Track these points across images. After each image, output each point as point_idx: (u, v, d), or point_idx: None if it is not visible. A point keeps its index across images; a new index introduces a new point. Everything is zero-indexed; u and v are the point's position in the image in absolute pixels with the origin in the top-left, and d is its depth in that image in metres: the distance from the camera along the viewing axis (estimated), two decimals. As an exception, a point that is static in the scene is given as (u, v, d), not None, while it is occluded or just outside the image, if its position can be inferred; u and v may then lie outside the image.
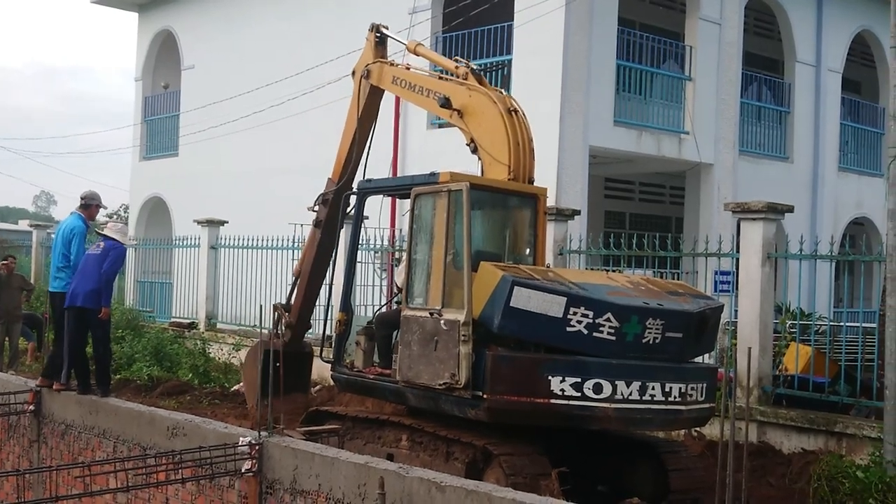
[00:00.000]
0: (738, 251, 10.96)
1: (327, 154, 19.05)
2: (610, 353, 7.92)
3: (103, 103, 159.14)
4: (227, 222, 18.37)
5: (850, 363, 10.79)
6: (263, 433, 9.08)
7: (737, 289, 10.92)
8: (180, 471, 9.08)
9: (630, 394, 7.91)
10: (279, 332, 11.54)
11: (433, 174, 8.97)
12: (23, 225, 46.01)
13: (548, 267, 9.34)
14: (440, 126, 17.28)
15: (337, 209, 11.07)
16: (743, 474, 7.05)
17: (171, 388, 13.76)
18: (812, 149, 20.50)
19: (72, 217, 12.22)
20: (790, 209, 11.02)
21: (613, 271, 11.59)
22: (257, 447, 8.96)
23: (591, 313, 7.82)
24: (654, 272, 12.42)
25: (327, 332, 10.63)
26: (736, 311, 10.91)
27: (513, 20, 16.06)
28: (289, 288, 12.04)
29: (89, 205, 12.23)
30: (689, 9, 17.99)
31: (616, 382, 7.87)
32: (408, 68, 10.83)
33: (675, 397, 8.12)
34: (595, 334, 7.84)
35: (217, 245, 18.19)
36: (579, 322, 7.82)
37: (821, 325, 12.69)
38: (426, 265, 8.84)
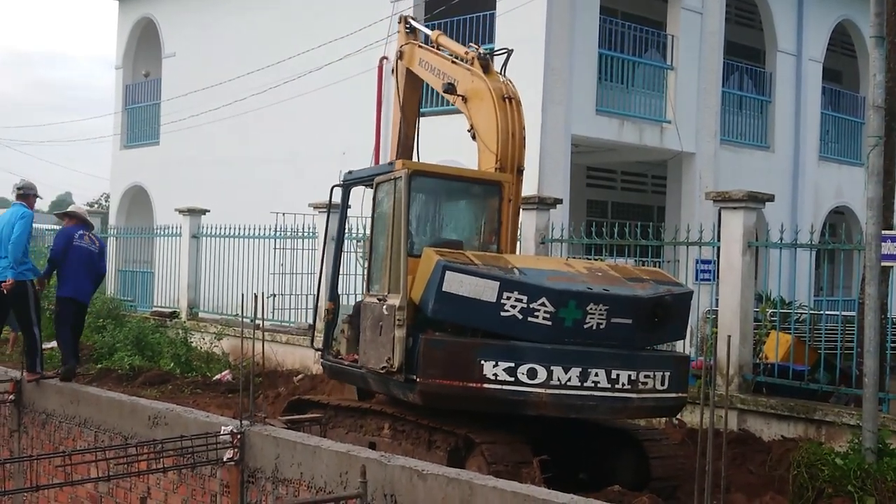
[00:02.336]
0: (718, 240, 10.99)
1: (310, 142, 19.19)
2: (546, 339, 7.87)
3: (79, 91, 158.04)
4: (209, 211, 18.30)
5: (830, 351, 10.87)
6: (245, 422, 9.07)
7: (718, 277, 10.96)
8: (161, 460, 9.07)
9: (569, 380, 7.85)
10: None
11: (391, 163, 9.12)
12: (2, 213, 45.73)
13: (499, 253, 9.21)
14: (422, 115, 17.24)
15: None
16: (723, 462, 7.08)
17: (153, 378, 13.71)
18: (793, 138, 20.58)
19: (16, 206, 12.12)
20: (771, 198, 11.07)
21: (595, 259, 11.62)
22: (239, 436, 8.95)
23: (524, 298, 7.81)
24: (635, 261, 12.45)
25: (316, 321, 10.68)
26: (717, 299, 10.95)
27: (495, 9, 16.04)
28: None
29: (27, 194, 12.20)
30: (672, -2, 18.01)
31: (552, 368, 7.82)
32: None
33: (623, 384, 8.02)
34: (530, 319, 7.82)
35: (199, 234, 18.12)
36: (513, 307, 7.81)
37: (801, 313, 12.77)
38: (380, 252, 9.00)
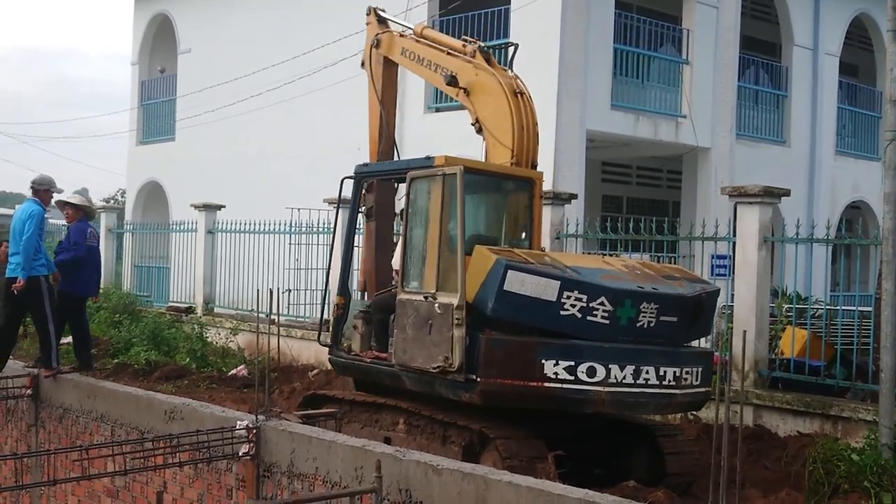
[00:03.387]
0: (734, 235, 10.96)
1: (325, 138, 19.21)
2: (603, 337, 7.92)
3: (95, 87, 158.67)
4: (225, 206, 18.35)
5: (847, 346, 10.81)
6: (261, 417, 9.10)
7: (733, 273, 10.92)
8: (178, 454, 9.09)
9: (624, 377, 7.92)
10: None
11: (428, 158, 8.96)
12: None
13: (543, 250, 9.35)
14: (437, 110, 17.28)
15: (387, 192, 10.94)
16: (738, 457, 7.06)
17: (169, 373, 13.76)
18: (809, 132, 20.49)
19: (28, 203, 12.12)
20: (787, 193, 11.03)
21: (610, 255, 11.61)
22: (254, 431, 8.99)
23: (584, 297, 7.84)
24: (651, 256, 12.42)
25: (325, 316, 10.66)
26: (732, 294, 10.92)
27: (510, 3, 16.02)
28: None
29: (38, 189, 12.09)
30: (687, -8, 17.95)
31: (610, 366, 7.88)
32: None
33: (669, 381, 8.13)
34: (589, 318, 7.86)
35: (214, 229, 18.17)
36: (573, 306, 7.84)
37: (817, 308, 12.71)
38: (421, 249, 8.83)
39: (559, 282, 7.83)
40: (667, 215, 18.84)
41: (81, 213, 12.44)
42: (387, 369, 9.09)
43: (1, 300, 15.23)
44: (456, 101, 10.28)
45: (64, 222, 13.14)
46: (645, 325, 8.04)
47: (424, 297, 8.40)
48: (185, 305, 18.46)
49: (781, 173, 18.28)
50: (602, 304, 7.87)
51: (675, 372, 8.16)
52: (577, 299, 7.83)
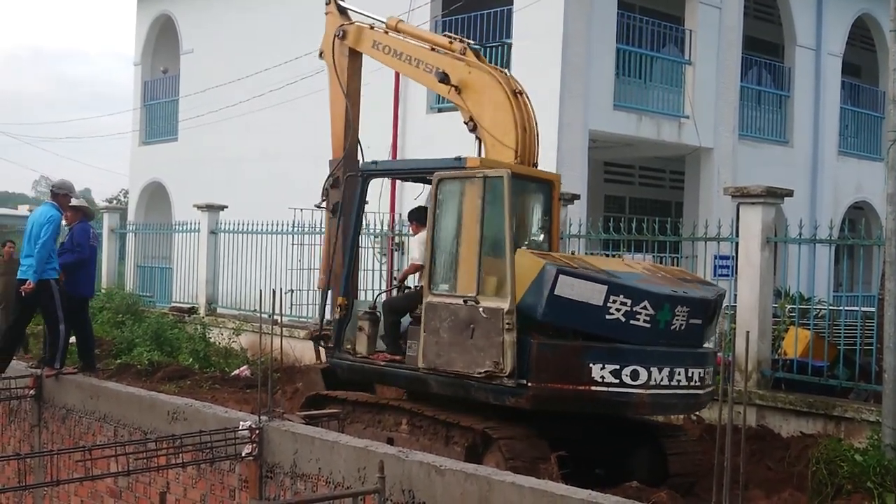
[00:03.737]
0: (737, 235, 10.96)
1: (327, 138, 19.11)
2: (645, 341, 8.06)
3: (98, 87, 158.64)
4: (227, 207, 18.36)
5: (850, 347, 10.81)
6: (263, 417, 9.10)
7: (736, 273, 10.92)
8: (181, 455, 9.10)
9: (661, 380, 8.08)
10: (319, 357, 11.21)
11: (459, 159, 8.87)
12: (22, 210, 45.94)
13: (573, 254, 9.38)
14: (440, 110, 17.27)
15: (354, 188, 10.78)
16: (741, 458, 7.06)
17: (172, 373, 13.77)
18: (812, 133, 20.48)
19: (46, 206, 12.13)
20: (790, 193, 11.02)
21: (615, 256, 11.61)
22: (257, 431, 8.99)
23: (629, 301, 7.96)
24: (653, 257, 12.42)
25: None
26: (735, 295, 10.92)
27: (512, 4, 16.02)
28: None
29: (57, 194, 12.09)
30: (690, -7, 17.94)
31: (651, 369, 8.02)
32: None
33: (695, 382, 8.33)
34: (632, 322, 7.98)
35: (217, 230, 18.18)
36: (618, 310, 7.94)
37: (820, 309, 12.72)
38: (453, 251, 8.73)
39: (606, 286, 7.93)
40: (669, 216, 18.86)
41: (81, 215, 12.45)
42: (408, 373, 8.96)
43: (11, 301, 15.31)
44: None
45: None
46: (678, 328, 8.20)
47: (463, 301, 8.30)
48: (188, 306, 18.47)
49: (784, 174, 18.27)
50: (644, 307, 7.99)
51: (699, 373, 8.37)
52: (622, 303, 7.94)
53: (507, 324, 7.91)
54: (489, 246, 8.39)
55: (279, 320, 9.37)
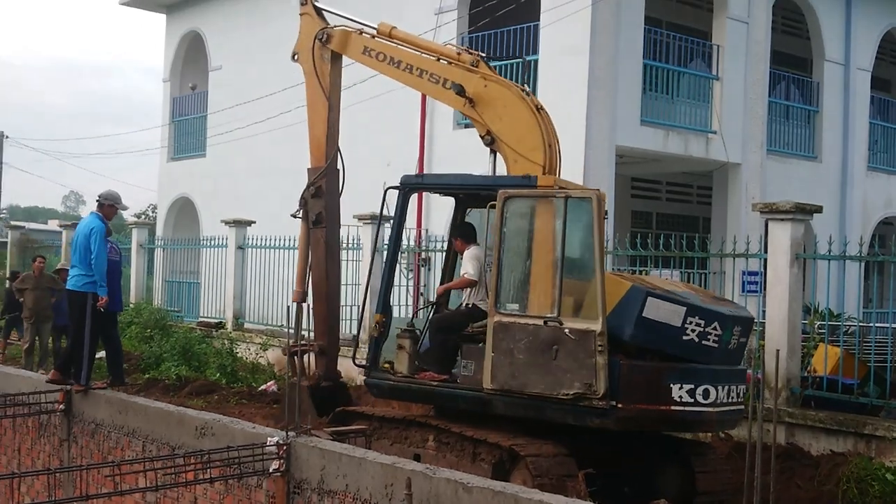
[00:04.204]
0: (766, 252, 10.89)
1: (353, 154, 19.17)
2: (713, 360, 8.26)
3: (127, 102, 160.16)
4: (255, 222, 18.45)
5: (880, 364, 10.72)
6: (291, 433, 9.11)
7: (765, 290, 10.85)
8: (209, 470, 9.12)
9: (722, 397, 8.25)
10: (305, 373, 11.06)
11: (529, 177, 8.82)
12: (52, 225, 46.40)
13: (631, 273, 9.45)
14: (466, 126, 17.29)
15: (336, 199, 10.79)
16: (771, 476, 7.01)
17: (199, 388, 13.83)
18: (841, 148, 20.33)
19: (90, 216, 12.24)
20: (819, 209, 10.95)
21: (642, 272, 11.58)
22: (285, 447, 9.00)
23: (703, 322, 8.14)
24: (681, 273, 12.37)
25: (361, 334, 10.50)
26: (764, 311, 10.85)
27: (539, 20, 16.04)
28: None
29: (103, 204, 12.13)
30: (717, 8, 17.90)
31: (717, 387, 8.19)
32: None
33: (740, 398, 8.52)
34: (703, 342, 8.17)
35: (244, 245, 18.27)
36: (693, 331, 8.12)
37: (850, 325, 12.59)
38: (523, 271, 8.66)
39: (685, 308, 8.10)
40: (697, 231, 18.83)
41: None
42: (469, 394, 8.82)
43: (42, 315, 15.41)
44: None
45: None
46: (732, 347, 8.42)
47: (543, 322, 8.25)
48: (216, 321, 18.56)
49: (813, 189, 18.16)
50: (714, 328, 8.19)
51: (742, 389, 8.59)
52: (697, 324, 8.13)
53: (600, 345, 7.93)
54: (569, 266, 8.39)
55: (306, 336, 9.39)
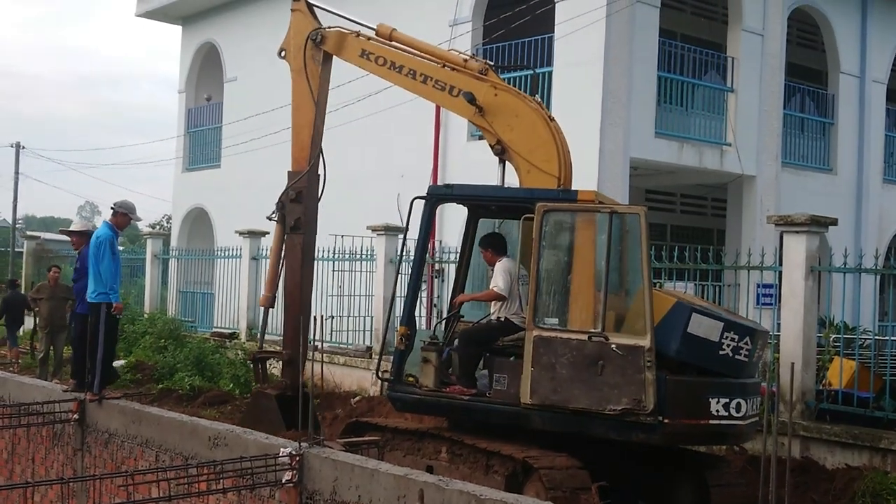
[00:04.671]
0: (780, 264, 10.85)
1: (368, 165, 19.29)
2: (743, 374, 8.38)
3: (142, 113, 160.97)
4: (269, 233, 18.42)
5: (896, 378, 10.64)
6: (304, 444, 9.10)
7: (779, 302, 10.81)
8: (221, 481, 9.12)
9: (748, 410, 8.33)
10: (265, 384, 11.05)
11: (568, 191, 8.83)
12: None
13: (660, 287, 9.68)
14: (480, 137, 17.28)
15: (314, 206, 10.78)
16: (786, 490, 6.96)
17: (213, 398, 13.84)
18: (856, 160, 20.26)
19: (101, 226, 12.27)
20: (834, 222, 10.91)
21: (656, 285, 11.54)
22: (298, 458, 8.99)
23: (737, 337, 8.27)
24: (695, 285, 12.33)
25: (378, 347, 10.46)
26: (778, 324, 10.80)
27: (553, 32, 16.05)
28: (276, 320, 11.47)
29: (117, 212, 12.09)
30: (732, 20, 17.88)
31: (746, 400, 8.29)
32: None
33: (757, 410, 8.56)
34: (736, 357, 8.28)
35: (258, 256, 18.30)
36: (728, 345, 8.24)
37: (865, 339, 12.54)
38: (564, 285, 8.61)
39: (723, 323, 8.24)
40: (711, 244, 18.76)
41: (86, 239, 12.50)
42: (505, 408, 8.74)
43: (57, 325, 15.43)
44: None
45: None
46: (755, 360, 8.53)
47: (588, 337, 8.22)
48: (229, 331, 18.58)
49: (828, 202, 18.08)
50: (746, 343, 8.31)
51: (760, 401, 8.65)
52: (731, 339, 8.26)
53: (648, 361, 7.96)
54: (614, 281, 8.44)
55: (320, 346, 9.38)
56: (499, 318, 9.42)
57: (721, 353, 8.20)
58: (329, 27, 10.74)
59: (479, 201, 9.98)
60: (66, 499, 11.83)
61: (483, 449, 8.61)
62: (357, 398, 14.07)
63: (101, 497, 10.53)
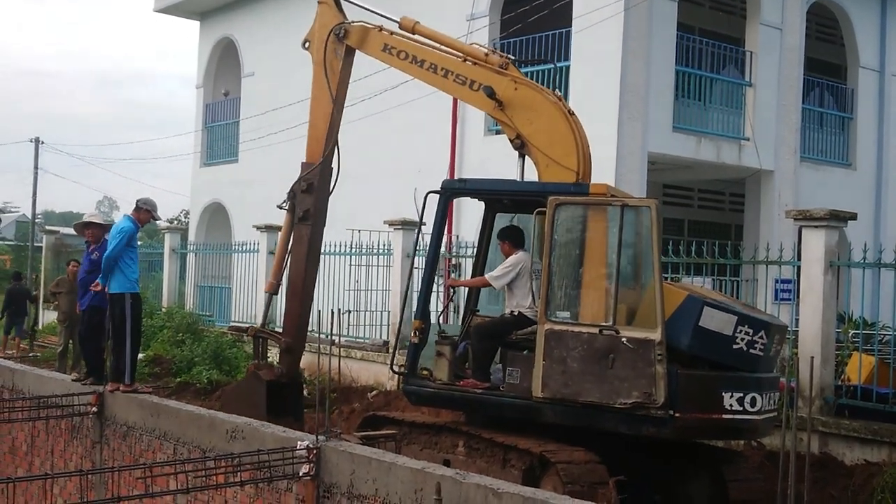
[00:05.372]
0: (799, 259, 10.80)
1: (385, 160, 19.30)
2: (759, 368, 8.34)
3: (162, 110, 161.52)
4: (286, 227, 18.48)
5: (916, 374, 10.57)
6: (321, 437, 9.12)
7: (798, 297, 10.75)
8: (239, 473, 9.16)
9: (764, 405, 8.29)
10: (262, 361, 11.20)
11: (580, 185, 8.82)
12: (86, 229, 46.79)
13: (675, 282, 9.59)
14: (497, 132, 17.29)
15: (325, 198, 10.85)
16: (804, 485, 6.94)
17: (230, 392, 13.84)
18: (875, 155, 20.15)
19: (123, 218, 12.35)
20: (853, 216, 10.85)
21: (673, 280, 11.51)
22: (315, 451, 9.01)
23: (751, 331, 8.22)
24: (713, 280, 12.29)
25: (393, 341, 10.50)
26: (797, 320, 10.75)
27: (571, 26, 16.01)
28: (279, 306, 11.63)
29: (140, 208, 12.16)
30: (750, 14, 17.80)
31: (762, 395, 8.25)
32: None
33: (774, 405, 8.54)
34: (751, 351, 8.24)
35: (275, 250, 18.30)
36: (742, 339, 8.19)
37: (885, 334, 12.45)
38: (575, 278, 8.59)
39: (736, 317, 8.18)
40: (729, 238, 18.67)
41: (105, 231, 12.60)
42: (517, 402, 8.76)
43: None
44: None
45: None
46: (772, 355, 8.49)
47: (599, 330, 8.22)
48: (247, 325, 18.58)
49: (847, 196, 17.99)
50: (761, 336, 8.26)
51: (778, 396, 8.62)
52: (746, 333, 8.20)
53: (659, 354, 7.94)
54: (625, 275, 8.41)
55: (337, 341, 9.40)
56: (512, 312, 9.44)
57: (735, 347, 8.16)
58: (353, 21, 10.73)
59: (493, 195, 10.04)
60: (85, 491, 11.89)
61: (500, 443, 8.62)
62: (374, 392, 14.09)
63: (119, 489, 10.57)
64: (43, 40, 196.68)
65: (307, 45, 11.09)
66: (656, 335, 7.95)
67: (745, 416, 8.14)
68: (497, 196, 10.02)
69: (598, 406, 8.17)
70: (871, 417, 10.06)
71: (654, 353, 7.92)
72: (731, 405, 8.06)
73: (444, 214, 9.69)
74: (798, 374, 9.75)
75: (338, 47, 10.64)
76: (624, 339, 8.08)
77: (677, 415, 7.93)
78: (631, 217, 8.33)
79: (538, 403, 8.50)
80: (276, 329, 12.27)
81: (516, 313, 9.34)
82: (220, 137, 25.54)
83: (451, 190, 9.88)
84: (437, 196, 9.57)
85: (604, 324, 8.20)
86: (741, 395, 8.09)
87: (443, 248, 14.98)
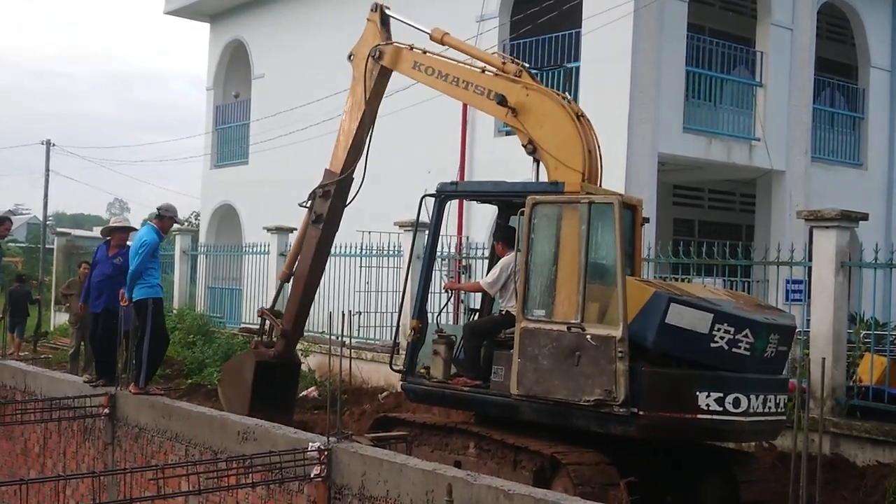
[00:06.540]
0: (810, 260, 10.78)
1: (395, 161, 19.29)
2: (745, 368, 8.13)
3: (172, 111, 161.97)
4: (296, 229, 18.50)
5: (928, 374, 10.54)
6: (332, 439, 9.14)
7: (809, 298, 10.74)
8: (250, 475, 9.18)
9: (756, 407, 8.12)
10: (264, 339, 11.73)
11: (556, 184, 8.88)
12: (97, 232, 46.99)
13: (664, 279, 9.40)
14: (508, 133, 17.29)
15: (339, 201, 11.32)
16: (816, 487, 6.92)
17: (241, 393, 13.86)
18: (887, 155, 20.10)
19: (146, 229, 12.37)
20: (864, 217, 10.82)
21: (684, 280, 11.50)
22: (326, 453, 9.03)
23: (732, 329, 8.03)
24: (724, 281, 12.27)
25: (396, 340, 10.61)
26: (808, 320, 10.73)
27: (581, 27, 16.01)
28: (282, 292, 12.29)
29: (163, 216, 12.25)
30: (761, 14, 17.77)
31: (749, 396, 8.05)
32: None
33: (780, 408, 8.40)
34: (734, 350, 8.06)
35: (286, 252, 18.32)
36: (722, 338, 8.01)
37: (896, 335, 12.42)
38: (549, 277, 8.66)
39: (712, 314, 7.99)
40: (740, 239, 18.65)
41: (126, 236, 12.68)
42: (498, 400, 8.87)
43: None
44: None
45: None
46: (769, 356, 8.29)
47: (567, 328, 8.26)
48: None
49: (858, 197, 17.94)
50: (746, 335, 8.06)
51: (783, 399, 8.46)
52: (725, 331, 8.01)
53: (620, 352, 7.89)
54: (593, 272, 8.36)
55: (348, 342, 9.43)
56: (500, 311, 9.63)
57: (714, 345, 7.97)
58: (388, 42, 11.05)
59: (481, 196, 10.35)
60: (97, 492, 11.90)
61: (511, 444, 8.63)
62: (385, 394, 14.10)
63: (131, 491, 10.61)
64: (46, 40, 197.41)
65: (351, 57, 11.43)
66: (618, 332, 7.91)
67: (728, 416, 7.95)
68: (486, 197, 10.29)
69: (566, 403, 8.21)
70: (883, 418, 10.04)
71: (616, 350, 7.88)
72: (707, 405, 7.88)
73: (439, 217, 9.97)
74: (809, 375, 9.74)
75: (374, 68, 11.04)
76: (588, 337, 8.10)
77: (641, 413, 7.85)
78: (597, 213, 8.36)
79: (516, 401, 8.61)
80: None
81: (504, 312, 9.49)
82: (230, 139, 25.59)
83: (445, 193, 10.09)
84: (433, 199, 9.93)
85: (572, 321, 8.24)
86: (720, 395, 7.90)
87: (453, 250, 15.07)
